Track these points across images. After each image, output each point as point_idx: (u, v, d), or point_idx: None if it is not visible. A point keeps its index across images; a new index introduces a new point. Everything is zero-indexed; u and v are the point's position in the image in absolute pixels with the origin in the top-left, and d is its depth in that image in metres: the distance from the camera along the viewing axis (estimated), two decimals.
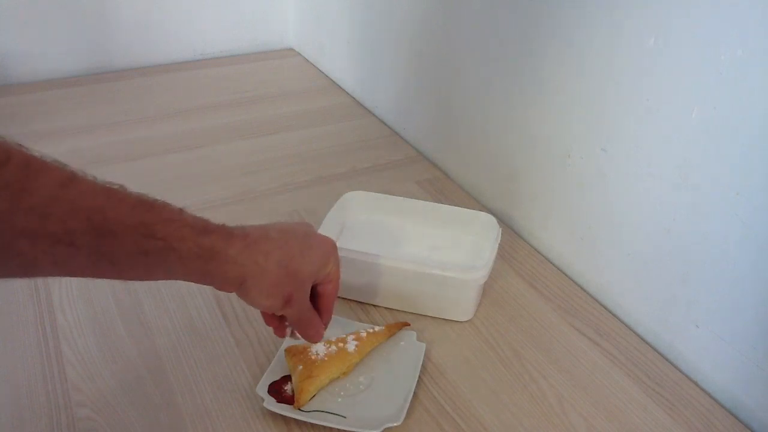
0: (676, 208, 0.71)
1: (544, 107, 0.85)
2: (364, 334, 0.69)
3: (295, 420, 0.62)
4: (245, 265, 0.54)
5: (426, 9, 1.06)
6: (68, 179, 0.44)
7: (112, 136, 1.14)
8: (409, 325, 0.74)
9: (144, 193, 0.49)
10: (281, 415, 0.62)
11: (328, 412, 0.63)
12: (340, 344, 0.67)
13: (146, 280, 0.52)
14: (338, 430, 0.61)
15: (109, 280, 0.79)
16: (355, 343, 0.68)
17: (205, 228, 0.51)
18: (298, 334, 0.63)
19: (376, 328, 0.71)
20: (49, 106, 1.24)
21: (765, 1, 0.57)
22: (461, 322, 0.77)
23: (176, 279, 0.52)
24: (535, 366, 0.72)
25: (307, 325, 0.62)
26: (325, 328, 0.64)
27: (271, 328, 0.65)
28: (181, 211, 0.51)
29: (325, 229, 0.78)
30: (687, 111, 0.66)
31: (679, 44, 0.66)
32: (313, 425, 0.62)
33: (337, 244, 0.77)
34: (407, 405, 0.63)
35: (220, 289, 0.56)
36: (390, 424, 0.61)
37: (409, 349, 0.71)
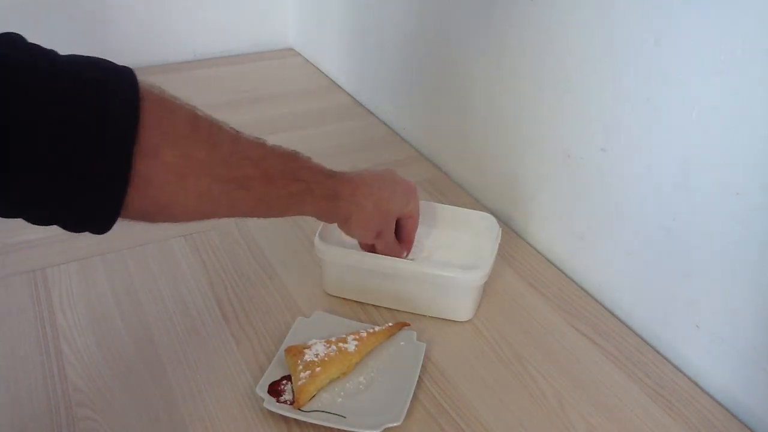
0: (676, 208, 0.71)
1: (544, 107, 0.85)
2: (364, 334, 0.69)
3: (295, 420, 0.62)
4: (352, 204, 0.67)
5: (426, 9, 1.06)
6: (237, 134, 0.55)
7: None
8: (409, 325, 0.74)
9: (279, 145, 0.59)
10: (281, 415, 0.62)
11: (328, 412, 0.63)
12: (340, 344, 0.67)
13: (284, 216, 0.64)
14: (338, 430, 0.61)
15: (108, 280, 0.79)
16: (355, 343, 0.68)
17: (329, 173, 0.65)
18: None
19: (376, 328, 0.71)
20: None
21: (765, 1, 0.57)
22: (461, 322, 0.77)
23: (305, 215, 0.65)
24: (535, 366, 0.72)
25: (391, 252, 0.75)
26: (407, 254, 0.77)
27: (271, 328, 0.70)
28: (309, 158, 0.63)
29: (326, 229, 0.78)
30: (687, 111, 0.66)
31: (679, 44, 0.66)
32: (313, 425, 0.62)
33: (337, 245, 0.77)
34: (407, 405, 0.63)
35: (331, 221, 0.70)
36: (390, 424, 0.61)
37: (409, 349, 0.71)
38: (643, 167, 0.73)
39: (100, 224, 0.47)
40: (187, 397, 0.66)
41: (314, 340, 0.67)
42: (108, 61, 0.47)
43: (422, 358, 0.69)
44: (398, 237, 0.75)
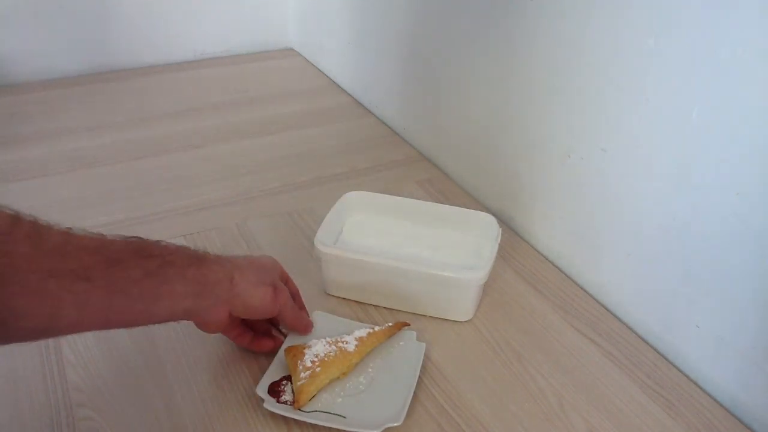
0: (676, 208, 0.71)
1: (545, 107, 0.85)
2: (364, 334, 0.69)
3: (295, 420, 0.62)
4: (226, 264, 0.60)
5: (426, 9, 1.06)
6: (68, 229, 0.50)
7: (112, 136, 1.14)
8: (409, 325, 0.74)
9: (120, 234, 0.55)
10: (281, 415, 0.62)
11: (328, 413, 0.63)
12: (340, 344, 0.67)
13: (154, 311, 0.55)
14: (338, 430, 0.61)
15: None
16: (355, 343, 0.68)
17: (184, 246, 0.59)
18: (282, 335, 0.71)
19: (376, 328, 0.71)
20: (49, 106, 1.24)
21: (764, 1, 0.57)
22: (461, 322, 0.77)
23: (178, 306, 0.56)
24: (535, 366, 0.72)
25: (298, 316, 0.69)
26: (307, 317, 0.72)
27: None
28: (158, 240, 0.57)
29: (325, 229, 0.78)
30: (687, 111, 0.66)
31: (679, 44, 0.66)
32: (313, 425, 0.62)
33: (337, 245, 0.77)
34: (407, 405, 0.63)
35: (211, 300, 0.59)
36: (390, 424, 0.61)
37: (409, 349, 0.71)
38: (643, 167, 0.73)
39: None
40: (187, 397, 0.66)
41: (314, 340, 0.67)
42: None
43: (422, 358, 0.69)
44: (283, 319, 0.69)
